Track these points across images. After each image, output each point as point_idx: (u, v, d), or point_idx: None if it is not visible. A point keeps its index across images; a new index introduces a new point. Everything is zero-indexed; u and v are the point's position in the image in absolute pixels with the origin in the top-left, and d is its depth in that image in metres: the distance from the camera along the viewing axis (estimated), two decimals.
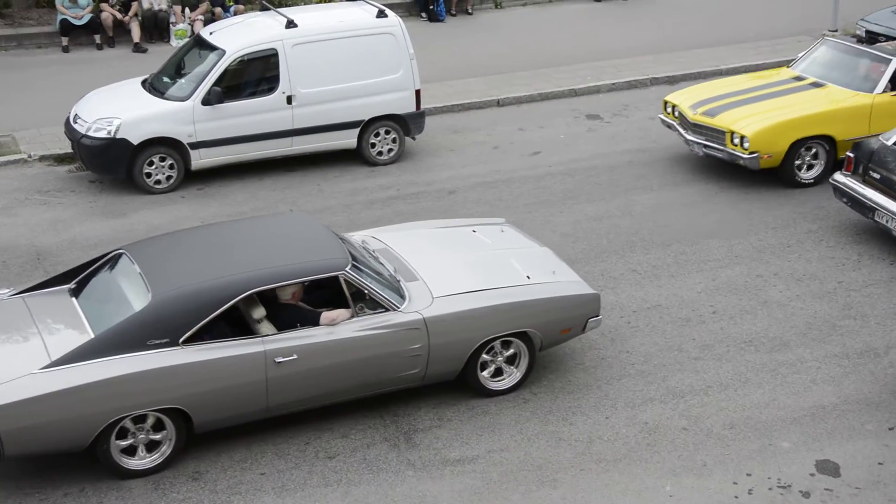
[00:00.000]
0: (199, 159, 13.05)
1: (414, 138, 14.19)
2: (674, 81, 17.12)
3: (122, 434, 7.84)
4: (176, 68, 13.65)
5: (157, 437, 7.95)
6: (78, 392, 7.51)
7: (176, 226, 11.99)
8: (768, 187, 13.05)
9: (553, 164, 13.97)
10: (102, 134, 12.67)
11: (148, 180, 12.89)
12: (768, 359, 9.53)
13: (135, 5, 18.37)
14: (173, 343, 7.79)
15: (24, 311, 8.32)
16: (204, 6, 18.62)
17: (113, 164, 12.83)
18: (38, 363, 7.62)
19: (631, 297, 10.47)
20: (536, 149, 14.51)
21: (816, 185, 12.93)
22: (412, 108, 13.89)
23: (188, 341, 7.84)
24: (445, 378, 8.81)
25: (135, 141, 12.67)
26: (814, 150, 12.84)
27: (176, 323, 7.80)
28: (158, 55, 16.65)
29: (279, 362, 8.02)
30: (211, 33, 13.74)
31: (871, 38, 17.04)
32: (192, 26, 18.32)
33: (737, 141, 12.58)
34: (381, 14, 13.71)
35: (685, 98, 13.63)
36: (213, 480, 7.96)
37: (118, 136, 12.62)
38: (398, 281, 8.76)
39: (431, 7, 20.21)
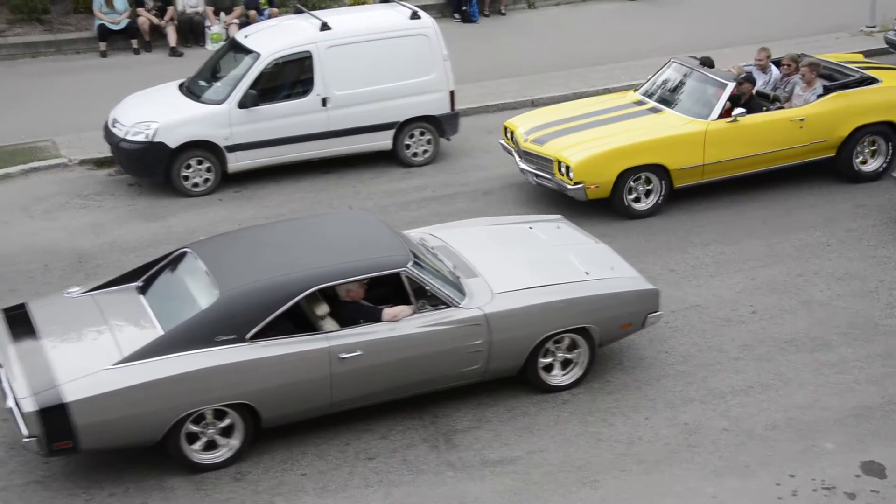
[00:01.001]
0: (236, 162, 13.13)
1: (448, 139, 14.20)
2: None
3: (192, 430, 7.96)
4: (212, 72, 13.75)
5: (223, 438, 8.06)
6: (150, 387, 7.66)
7: (214, 229, 12.05)
8: (811, 186, 12.94)
9: None
10: (140, 138, 12.78)
11: (185, 183, 12.99)
12: (810, 359, 9.45)
13: (171, 10, 18.52)
14: (240, 339, 7.91)
15: (94, 308, 8.47)
16: (238, 10, 18.73)
17: (151, 167, 12.94)
18: (110, 359, 7.77)
19: (669, 297, 10.41)
20: None
21: (864, 183, 12.83)
22: (447, 110, 13.90)
23: (255, 337, 7.95)
24: (506, 374, 8.85)
25: (172, 144, 12.76)
26: (646, 179, 12.06)
27: (243, 319, 7.92)
28: (194, 59, 16.76)
29: (343, 358, 8.11)
30: (246, 37, 13.82)
31: None
32: (227, 30, 18.44)
33: (564, 170, 11.85)
34: (414, 16, 13.73)
35: (522, 123, 12.86)
36: (254, 481, 8.00)
37: (156, 140, 12.72)
38: (458, 277, 8.83)
39: (464, 8, 20.21)
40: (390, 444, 8.40)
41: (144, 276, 8.81)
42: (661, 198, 12.16)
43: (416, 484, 7.99)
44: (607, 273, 9.22)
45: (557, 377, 8.99)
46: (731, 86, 12.24)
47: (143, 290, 8.70)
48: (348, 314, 8.35)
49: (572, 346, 8.96)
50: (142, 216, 12.59)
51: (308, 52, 13.22)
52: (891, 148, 12.88)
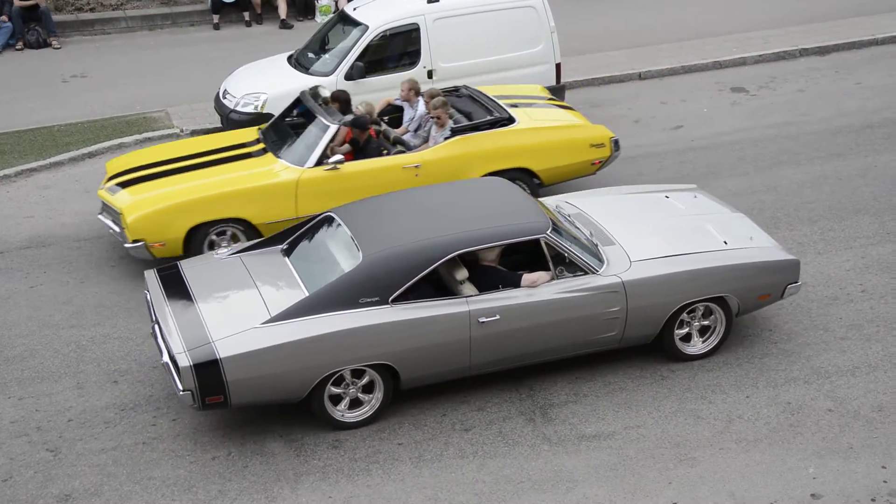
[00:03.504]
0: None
1: None
2: (825, 52, 16.53)
3: (336, 386, 8.18)
4: (320, 44, 13.92)
5: (364, 397, 8.29)
6: (297, 346, 7.89)
7: None
8: None
9: (695, 138, 13.68)
10: (250, 109, 13.03)
11: None
12: None
13: None
14: (383, 301, 8.08)
15: (242, 269, 8.75)
16: None
17: None
18: (259, 318, 8.02)
19: None
20: (678, 123, 14.23)
21: None
22: (552, 82, 13.77)
23: (397, 300, 8.12)
24: (641, 342, 8.89)
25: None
26: (230, 234, 10.52)
27: (386, 282, 8.08)
28: (304, 31, 17.03)
29: (482, 322, 8.22)
30: (355, 9, 13.92)
31: None
32: (336, 2, 18.63)
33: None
34: None
35: (118, 166, 11.26)
36: (352, 449, 8.16)
37: (265, 111, 12.95)
38: (596, 245, 8.87)
39: None
40: (486, 416, 8.46)
41: (289, 238, 9.04)
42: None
43: (511, 456, 8.04)
44: (746, 242, 9.13)
45: (696, 346, 8.97)
46: (332, 129, 10.67)
47: (287, 252, 8.91)
48: (487, 279, 8.47)
49: (708, 315, 8.93)
50: None
51: (416, 24, 13.27)
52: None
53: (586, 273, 8.52)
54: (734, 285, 8.79)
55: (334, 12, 17.29)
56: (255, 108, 12.96)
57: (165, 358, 8.09)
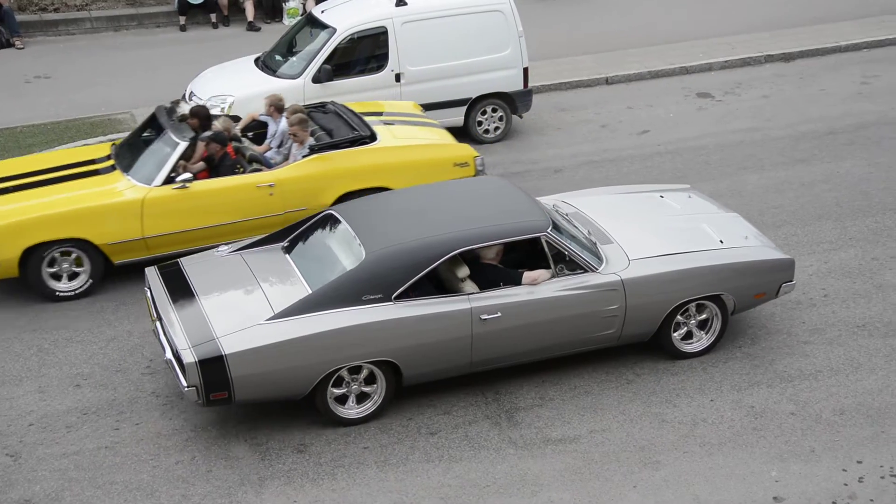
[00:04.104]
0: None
1: (521, 116, 14.15)
2: (790, 58, 16.70)
3: (338, 384, 8.23)
4: (288, 46, 13.89)
5: (368, 389, 8.34)
6: (302, 342, 7.92)
7: None
8: (885, 166, 12.63)
9: (662, 143, 13.77)
10: (216, 111, 12.89)
11: None
12: (882, 344, 9.25)
13: None
14: (386, 298, 8.13)
15: (244, 266, 8.77)
16: None
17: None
18: (263, 315, 8.05)
19: None
20: (645, 127, 14.32)
21: None
22: (520, 86, 13.85)
23: (399, 297, 8.17)
24: (639, 339, 8.97)
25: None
26: (74, 256, 10.04)
27: (389, 279, 8.14)
28: (271, 33, 16.97)
29: (484, 319, 8.29)
30: (322, 12, 13.91)
31: None
32: (304, 5, 18.59)
33: None
34: None
35: None
36: (317, 453, 8.13)
37: (231, 114, 12.85)
38: (594, 243, 8.95)
39: None
40: (452, 420, 8.46)
41: (290, 236, 9.07)
42: (90, 280, 10.15)
43: (477, 460, 8.03)
44: (741, 242, 9.25)
45: (692, 343, 9.08)
46: (182, 146, 10.26)
47: (288, 249, 8.95)
48: (488, 277, 8.54)
49: (705, 314, 9.04)
50: None
51: (383, 27, 13.27)
52: None
53: (586, 271, 8.62)
54: (731, 284, 8.92)
55: (302, 15, 17.27)
56: (222, 110, 12.89)
57: (168, 355, 8.09)
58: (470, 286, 8.41)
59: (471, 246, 8.41)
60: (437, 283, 8.53)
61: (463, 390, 8.75)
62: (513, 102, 13.88)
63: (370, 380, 8.33)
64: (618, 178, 12.59)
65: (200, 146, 10.65)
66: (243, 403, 8.20)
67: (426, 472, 7.91)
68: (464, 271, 8.39)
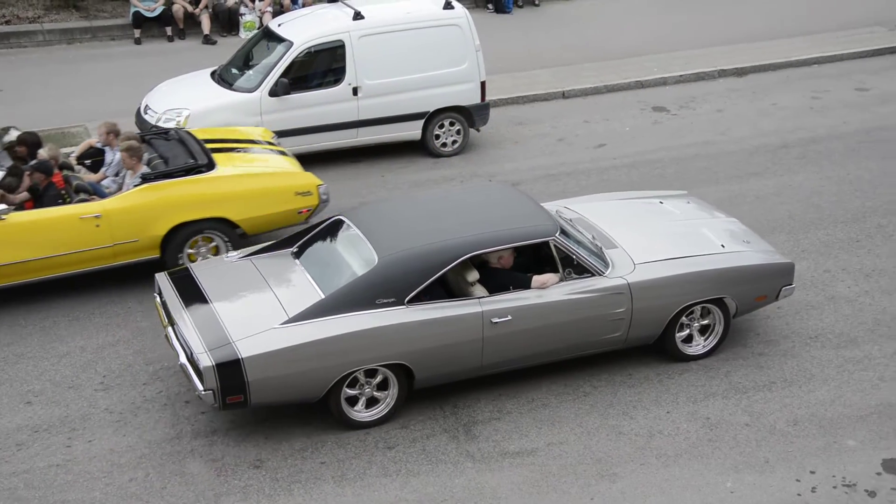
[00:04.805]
0: None
1: (478, 130, 14.19)
2: (743, 73, 16.92)
3: (351, 387, 8.30)
4: (244, 60, 13.82)
5: (379, 394, 8.41)
6: (317, 346, 7.98)
7: None
8: (840, 181, 12.82)
9: (618, 156, 13.87)
10: (171, 125, 12.84)
11: None
12: (834, 355, 9.37)
13: None
14: (399, 302, 8.21)
15: (254, 271, 8.84)
16: None
17: None
18: (278, 319, 8.10)
19: None
20: (601, 141, 14.42)
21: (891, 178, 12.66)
22: (477, 100, 13.88)
23: (412, 301, 8.23)
24: (644, 343, 9.11)
25: None
26: None
27: (402, 283, 8.22)
28: (227, 47, 16.90)
29: (495, 322, 8.38)
30: (279, 25, 13.88)
31: None
32: (260, 18, 18.54)
33: None
34: (447, 6, 13.72)
35: None
36: (273, 468, 8.06)
37: (187, 127, 12.79)
38: (600, 248, 9.09)
39: None
40: (410, 434, 8.43)
41: (299, 241, 9.13)
42: None
43: (435, 474, 8.01)
44: (743, 246, 9.44)
45: (695, 346, 9.23)
46: None
47: (297, 254, 9.00)
48: (498, 281, 8.63)
49: (707, 317, 9.21)
50: None
51: (340, 41, 13.25)
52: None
53: (593, 275, 8.74)
54: (734, 287, 9.08)
55: (259, 28, 17.21)
56: (178, 123, 12.81)
57: (183, 359, 8.13)
58: (479, 290, 8.52)
59: (482, 250, 8.52)
60: (446, 288, 8.62)
61: (420, 404, 8.73)
62: (470, 116, 13.92)
63: (382, 384, 8.39)
64: (576, 191, 12.65)
65: (27, 175, 10.19)
66: (258, 407, 8.24)
67: (383, 487, 7.88)
68: (473, 275, 8.50)
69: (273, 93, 12.99)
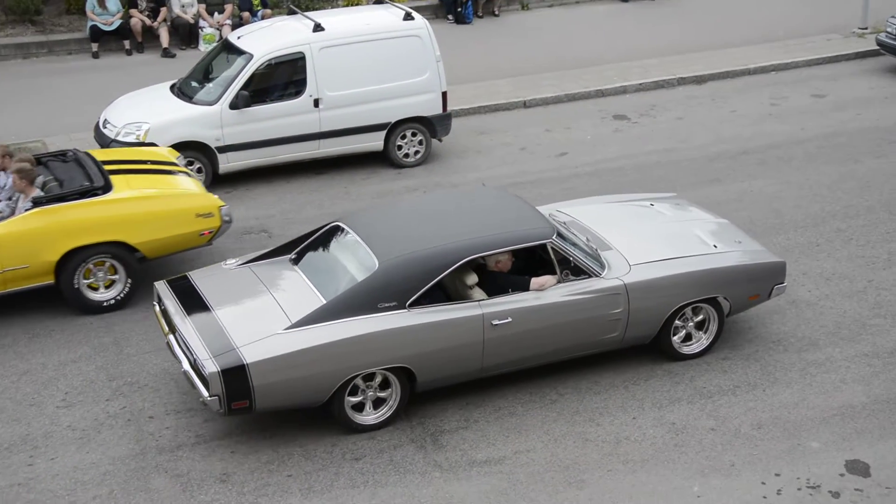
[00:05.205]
0: (227, 163, 13.13)
1: (440, 140, 14.20)
2: (702, 81, 17.07)
3: (354, 392, 8.37)
4: (204, 73, 13.75)
5: (383, 395, 8.48)
6: (322, 350, 8.04)
7: None
8: (800, 187, 12.96)
9: (580, 164, 13.94)
10: (131, 139, 12.77)
11: None
12: (797, 358, 9.46)
13: (163, 11, 18.53)
14: (401, 306, 8.29)
15: (253, 278, 8.90)
16: (230, 8, 18.74)
17: None
18: (280, 324, 8.15)
19: None
20: (563, 150, 14.48)
21: (859, 184, 12.80)
22: (439, 110, 13.91)
23: (414, 304, 8.31)
24: (640, 342, 9.23)
25: (163, 145, 12.75)
26: None
27: (403, 287, 8.30)
28: (187, 60, 16.80)
29: (495, 324, 8.48)
30: (239, 38, 13.82)
31: None
32: (220, 31, 18.46)
33: None
34: (407, 17, 13.74)
35: None
36: (240, 482, 8.00)
37: (147, 141, 12.71)
38: (595, 249, 9.21)
39: (459, 9, 20.22)
40: (377, 445, 8.40)
41: (297, 248, 9.19)
42: None
43: (403, 485, 7.98)
44: (735, 246, 9.60)
45: (691, 346, 9.37)
46: None
47: (296, 261, 9.07)
48: (496, 283, 8.72)
49: (702, 316, 9.34)
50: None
51: (301, 53, 13.23)
52: (129, 279, 10.30)
53: (590, 276, 8.85)
54: (728, 287, 9.23)
55: (218, 41, 17.14)
56: (137, 137, 12.72)
57: (186, 366, 8.16)
58: (478, 293, 8.59)
59: (481, 253, 8.62)
60: (448, 290, 8.70)
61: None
62: (432, 126, 13.94)
63: (384, 387, 8.44)
64: (539, 200, 12.62)
65: None
66: (263, 412, 8.23)
67: (351, 499, 7.84)
68: (472, 279, 8.57)
69: (234, 105, 12.94)
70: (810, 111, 15.68)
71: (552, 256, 8.80)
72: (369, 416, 8.48)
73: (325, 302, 8.29)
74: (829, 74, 17.30)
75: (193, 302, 8.60)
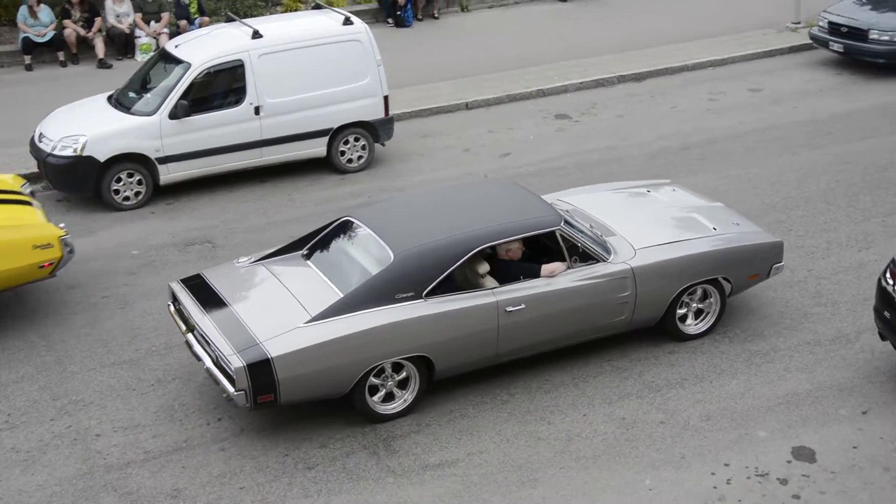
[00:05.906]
0: (168, 174, 12.99)
1: (383, 144, 14.18)
2: (641, 79, 17.23)
3: (374, 384, 8.52)
4: (142, 83, 13.59)
5: (401, 384, 8.65)
6: (343, 342, 8.20)
7: (147, 242, 11.98)
8: (737, 178, 13.13)
9: (523, 164, 14.00)
10: (68, 152, 12.59)
11: (116, 197, 12.82)
12: (742, 349, 9.58)
13: (98, 21, 18.28)
14: (418, 296, 8.47)
15: (268, 274, 9.05)
16: (166, 16, 18.54)
17: (80, 182, 12.76)
18: (301, 318, 8.30)
19: None
20: (507, 150, 14.54)
21: (796, 176, 12.98)
22: (381, 115, 13.88)
23: (430, 294, 8.48)
24: (647, 324, 9.49)
25: (101, 158, 12.59)
26: None
27: (419, 277, 8.47)
28: (123, 70, 16.60)
29: (509, 311, 8.68)
30: (176, 46, 13.68)
31: (833, 29, 17.16)
32: (157, 40, 18.25)
33: None
34: (347, 21, 13.69)
35: None
36: (192, 497, 7.91)
37: (84, 154, 12.54)
38: (601, 235, 9.44)
39: (398, 13, 20.21)
40: (330, 453, 8.36)
41: (308, 244, 9.34)
42: None
43: (357, 492, 7.95)
44: (734, 228, 9.87)
45: (693, 326, 9.63)
46: None
47: (308, 256, 9.22)
48: (508, 271, 8.91)
49: (704, 298, 9.62)
50: (72, 232, 12.33)
51: (240, 60, 13.12)
52: None
53: (598, 261, 9.09)
54: (728, 267, 9.52)
55: (155, 50, 16.95)
56: (75, 150, 12.54)
57: (208, 363, 8.28)
58: (490, 281, 8.75)
59: (493, 242, 8.80)
60: (461, 279, 8.81)
61: (339, 422, 8.66)
62: (375, 131, 13.91)
63: (401, 376, 8.59)
64: None
65: None
66: (288, 404, 8.32)
67: None
68: (484, 267, 8.73)
69: (173, 115, 12.80)
70: (748, 105, 15.90)
71: (561, 243, 9.01)
72: (389, 406, 8.61)
73: (342, 295, 8.43)
74: (765, 69, 17.56)
75: (211, 300, 8.71)
